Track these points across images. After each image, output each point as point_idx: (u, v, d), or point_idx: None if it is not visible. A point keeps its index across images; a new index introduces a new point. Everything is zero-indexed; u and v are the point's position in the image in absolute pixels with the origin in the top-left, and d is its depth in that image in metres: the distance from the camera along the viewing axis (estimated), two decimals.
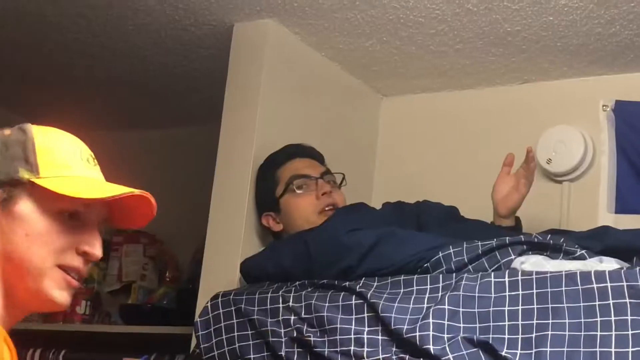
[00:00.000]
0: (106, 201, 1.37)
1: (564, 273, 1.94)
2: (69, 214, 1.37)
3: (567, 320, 1.89)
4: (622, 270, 1.90)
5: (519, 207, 2.54)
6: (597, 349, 1.84)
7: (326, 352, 2.11)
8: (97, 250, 1.38)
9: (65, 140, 1.42)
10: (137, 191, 1.37)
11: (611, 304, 1.86)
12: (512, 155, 2.53)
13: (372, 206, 2.69)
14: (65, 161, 1.38)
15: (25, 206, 1.35)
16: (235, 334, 2.27)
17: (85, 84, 3.54)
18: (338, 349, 2.09)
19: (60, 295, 1.36)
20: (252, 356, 2.23)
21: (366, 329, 2.08)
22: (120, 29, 2.96)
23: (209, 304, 2.36)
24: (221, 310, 2.32)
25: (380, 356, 2.03)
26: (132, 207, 1.41)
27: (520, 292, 1.96)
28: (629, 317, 1.83)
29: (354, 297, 2.14)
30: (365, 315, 2.09)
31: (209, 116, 3.00)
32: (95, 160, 1.44)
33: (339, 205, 2.56)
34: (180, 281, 3.51)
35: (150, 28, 2.93)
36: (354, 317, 2.11)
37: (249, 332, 2.25)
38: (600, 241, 2.15)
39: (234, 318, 2.29)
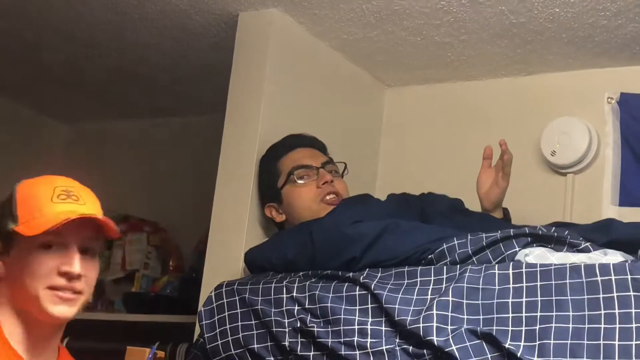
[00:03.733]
0: (82, 225, 1.72)
1: (568, 266, 1.94)
2: (45, 245, 1.71)
3: (570, 313, 1.89)
4: (627, 263, 1.90)
5: (501, 200, 2.54)
6: (601, 342, 1.84)
7: (330, 343, 2.11)
8: (72, 268, 1.72)
9: (40, 187, 1.77)
10: (73, 216, 1.69)
11: (615, 297, 1.86)
12: (489, 147, 2.53)
13: (377, 197, 2.69)
14: (38, 205, 1.73)
15: (17, 250, 1.73)
16: (239, 323, 2.27)
17: (90, 74, 3.53)
18: (341, 340, 2.09)
19: (55, 309, 1.72)
20: (255, 346, 2.23)
21: (370, 319, 2.08)
22: (126, 17, 2.95)
23: (213, 294, 2.36)
24: (225, 300, 2.32)
25: (384, 347, 2.04)
26: (103, 223, 1.76)
27: (524, 284, 1.96)
28: (633, 310, 1.83)
29: (357, 287, 2.14)
30: (369, 306, 2.10)
31: (213, 105, 3.00)
32: (70, 192, 1.76)
33: (340, 194, 2.56)
34: (183, 270, 3.51)
35: (155, 17, 2.93)
36: (357, 307, 2.11)
37: (253, 322, 2.25)
38: (604, 234, 2.15)
39: (238, 308, 2.29)
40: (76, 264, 1.72)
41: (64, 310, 1.74)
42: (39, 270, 1.71)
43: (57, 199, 1.74)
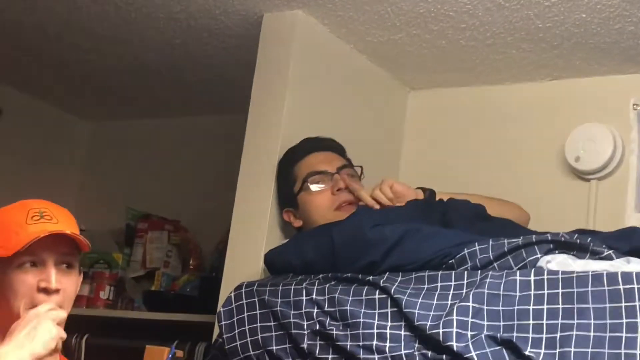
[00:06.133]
0: (57, 242, 1.82)
1: (590, 273, 1.93)
2: (21, 264, 1.81)
3: (592, 321, 1.87)
4: None
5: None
6: (622, 351, 1.82)
7: (348, 346, 2.10)
8: (50, 284, 1.82)
9: (14, 212, 1.86)
10: (42, 234, 1.79)
11: (637, 306, 1.84)
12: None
13: None
14: (13, 228, 1.82)
15: (0, 274, 1.83)
16: (258, 324, 2.27)
17: (115, 72, 3.55)
18: (360, 343, 2.09)
19: None
20: (274, 347, 2.23)
21: (389, 323, 2.07)
22: (151, 16, 2.96)
23: (232, 294, 2.36)
24: (245, 301, 2.32)
25: (403, 352, 2.03)
26: (73, 238, 1.86)
27: (546, 292, 1.95)
28: None
29: (377, 291, 2.13)
30: (389, 310, 2.09)
31: (237, 105, 3.00)
32: (43, 213, 1.85)
33: (355, 200, 2.55)
34: (203, 269, 3.52)
35: (180, 16, 2.94)
36: (377, 311, 2.10)
37: (272, 324, 2.25)
38: (627, 242, 2.13)
39: (257, 309, 2.29)
40: (53, 280, 1.82)
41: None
42: (20, 290, 1.81)
43: (31, 220, 1.84)
